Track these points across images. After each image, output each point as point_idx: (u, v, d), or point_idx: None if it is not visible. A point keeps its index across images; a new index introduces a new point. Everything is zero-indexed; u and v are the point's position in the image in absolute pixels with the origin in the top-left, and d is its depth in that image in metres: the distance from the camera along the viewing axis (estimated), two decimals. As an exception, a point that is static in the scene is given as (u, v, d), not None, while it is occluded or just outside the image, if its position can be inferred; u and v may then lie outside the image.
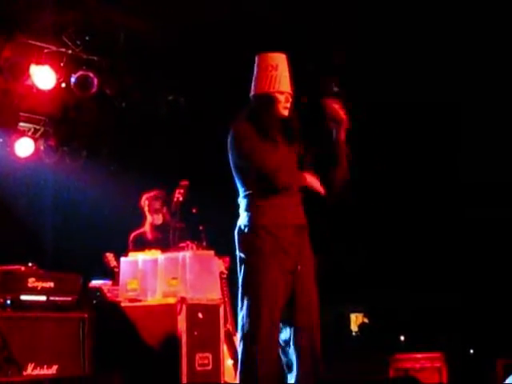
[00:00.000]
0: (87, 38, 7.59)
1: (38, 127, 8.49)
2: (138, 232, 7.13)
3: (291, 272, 4.19)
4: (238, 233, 4.26)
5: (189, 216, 6.76)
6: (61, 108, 8.30)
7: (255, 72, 4.35)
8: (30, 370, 5.39)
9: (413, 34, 7.39)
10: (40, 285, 5.60)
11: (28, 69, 7.52)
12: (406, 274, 9.17)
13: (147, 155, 8.60)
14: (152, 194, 7.14)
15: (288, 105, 4.30)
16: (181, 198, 6.63)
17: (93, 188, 8.58)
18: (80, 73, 7.78)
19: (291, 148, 4.32)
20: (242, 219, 4.24)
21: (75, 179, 8.71)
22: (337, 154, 4.30)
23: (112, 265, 6.73)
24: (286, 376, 4.25)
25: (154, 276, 6.13)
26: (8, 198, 8.13)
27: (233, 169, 4.28)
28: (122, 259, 6.34)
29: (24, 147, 8.32)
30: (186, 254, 6.12)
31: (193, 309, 5.98)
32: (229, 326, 6.62)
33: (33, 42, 7.46)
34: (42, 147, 8.50)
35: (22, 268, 5.59)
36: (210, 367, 6.03)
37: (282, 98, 4.28)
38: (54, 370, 5.54)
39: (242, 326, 4.16)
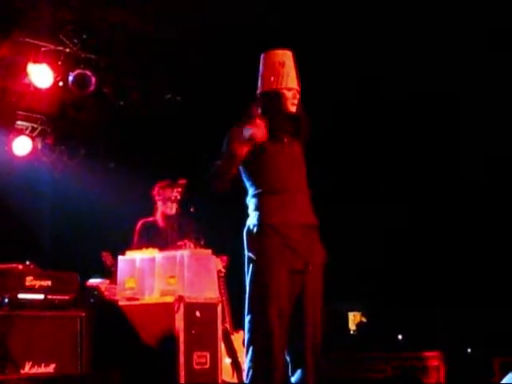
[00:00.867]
0: (85, 37, 7.58)
1: (35, 126, 8.49)
2: (147, 220, 6.97)
3: (300, 272, 4.17)
4: (247, 232, 4.24)
5: (187, 215, 6.77)
6: (58, 106, 8.30)
7: (261, 70, 4.35)
8: (28, 369, 5.39)
9: (411, 21, 7.37)
10: (38, 283, 5.60)
11: (25, 67, 7.51)
12: (404, 273, 9.17)
13: (145, 154, 8.60)
14: (164, 182, 7.02)
15: (296, 101, 4.30)
16: (179, 197, 6.64)
17: (90, 186, 8.56)
18: (78, 71, 7.78)
19: (298, 144, 4.33)
20: (251, 219, 4.24)
21: (73, 178, 8.70)
22: None
23: (109, 263, 6.72)
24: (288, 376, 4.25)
25: (151, 274, 6.13)
26: (5, 197, 8.13)
27: (241, 168, 4.29)
28: (120, 258, 6.33)
29: (22, 146, 8.32)
30: (184, 253, 6.12)
31: (190, 307, 5.98)
32: (226, 325, 6.63)
33: (30, 41, 7.45)
34: (39, 146, 8.51)
35: (20, 266, 5.59)
36: (207, 366, 6.03)
37: (289, 94, 4.29)
38: (51, 368, 5.54)
39: (250, 327, 4.14)
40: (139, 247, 6.51)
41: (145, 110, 8.53)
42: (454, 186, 8.76)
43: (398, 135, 8.73)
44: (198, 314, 6.03)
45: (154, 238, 6.73)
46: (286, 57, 4.34)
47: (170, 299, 5.95)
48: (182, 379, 5.79)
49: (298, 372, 4.19)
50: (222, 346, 6.34)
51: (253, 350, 4.10)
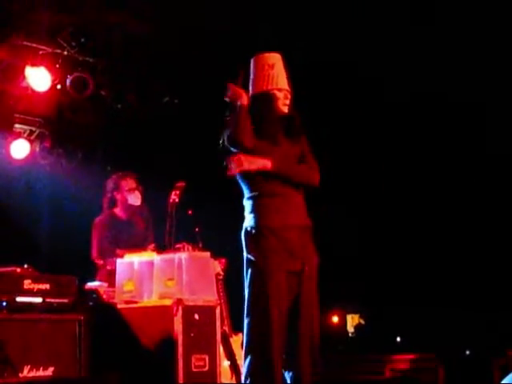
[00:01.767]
0: (83, 40, 7.59)
1: (33, 129, 8.49)
2: (104, 216, 6.81)
3: (297, 273, 4.19)
4: (245, 234, 4.26)
5: (185, 218, 6.76)
6: (56, 109, 8.30)
7: (252, 73, 4.38)
8: (26, 372, 5.37)
9: (411, 21, 7.40)
10: (36, 286, 5.58)
11: (23, 70, 7.52)
12: (403, 275, 9.17)
13: (143, 157, 8.59)
14: (121, 172, 6.90)
15: (287, 101, 4.33)
16: (177, 200, 6.63)
17: (88, 189, 8.55)
18: (75, 74, 7.78)
19: (292, 145, 4.34)
20: (248, 221, 4.25)
21: (71, 181, 8.69)
22: None
23: (108, 267, 6.71)
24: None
25: (149, 277, 6.12)
26: (3, 200, 8.12)
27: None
28: (118, 261, 6.32)
29: (19, 149, 8.31)
30: (182, 256, 6.11)
31: (189, 310, 5.97)
32: (225, 328, 6.62)
33: (28, 44, 7.45)
34: (37, 149, 8.50)
35: (18, 270, 5.58)
36: (206, 369, 6.02)
37: (280, 95, 4.32)
38: (50, 371, 5.52)
39: (249, 328, 4.14)
40: (103, 246, 6.55)
41: (143, 113, 8.54)
42: (452, 187, 8.78)
43: (397, 135, 8.75)
44: (196, 316, 6.03)
45: (117, 231, 6.66)
46: (275, 59, 4.38)
47: (168, 302, 5.95)
48: (181, 382, 5.78)
49: (294, 372, 4.19)
50: (221, 349, 6.33)
51: (251, 352, 4.11)
